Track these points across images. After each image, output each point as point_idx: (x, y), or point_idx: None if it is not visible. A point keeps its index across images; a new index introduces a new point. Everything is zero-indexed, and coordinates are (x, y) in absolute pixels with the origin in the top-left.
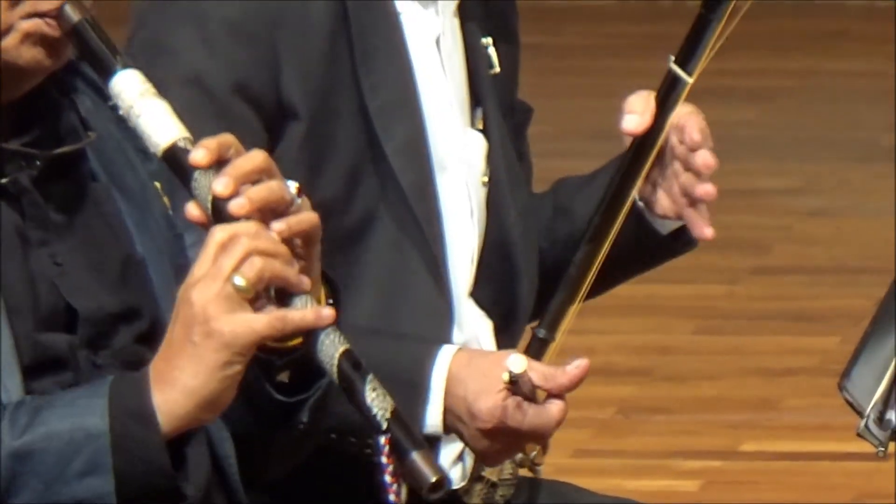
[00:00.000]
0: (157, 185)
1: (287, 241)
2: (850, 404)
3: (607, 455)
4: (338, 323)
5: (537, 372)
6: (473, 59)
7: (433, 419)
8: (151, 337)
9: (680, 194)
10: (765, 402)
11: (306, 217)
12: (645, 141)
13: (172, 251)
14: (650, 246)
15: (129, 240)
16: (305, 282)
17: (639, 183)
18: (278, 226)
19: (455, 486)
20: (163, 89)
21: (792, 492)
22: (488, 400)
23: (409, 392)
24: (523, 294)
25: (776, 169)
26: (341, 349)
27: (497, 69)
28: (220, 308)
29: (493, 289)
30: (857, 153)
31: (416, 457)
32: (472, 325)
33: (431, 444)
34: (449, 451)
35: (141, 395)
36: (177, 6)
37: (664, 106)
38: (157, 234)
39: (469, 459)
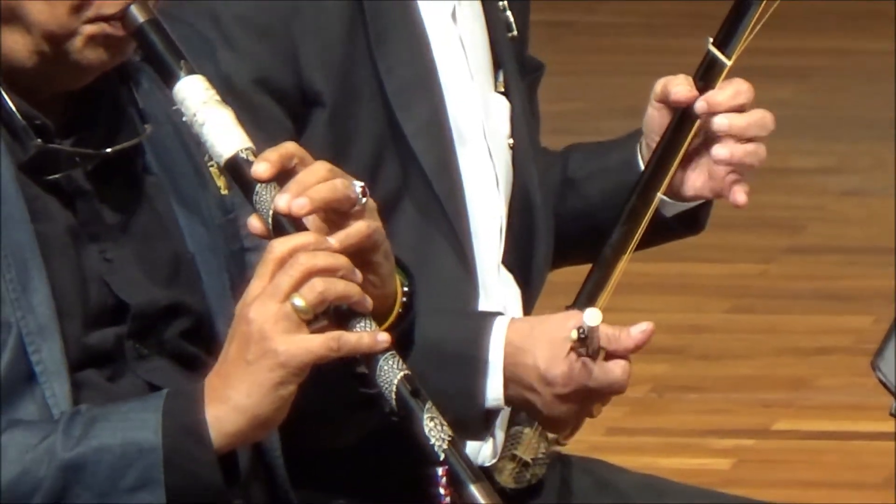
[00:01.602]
0: (213, 166)
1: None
2: (884, 384)
3: (640, 433)
4: (411, 317)
5: (602, 333)
6: (492, 24)
7: (494, 392)
8: (198, 333)
9: (723, 170)
10: (798, 382)
11: (360, 228)
12: (683, 121)
13: (226, 236)
14: (655, 226)
15: (180, 236)
16: (367, 302)
17: (676, 165)
18: (338, 237)
19: (486, 464)
20: None
21: (824, 471)
22: (562, 364)
23: (467, 367)
24: (541, 258)
25: (810, 148)
26: (400, 374)
27: (515, 32)
28: (277, 328)
29: (515, 254)
30: (891, 133)
31: (475, 489)
32: (500, 294)
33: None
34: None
35: (194, 411)
36: (192, 6)
37: (703, 87)
38: (209, 226)
39: (500, 435)
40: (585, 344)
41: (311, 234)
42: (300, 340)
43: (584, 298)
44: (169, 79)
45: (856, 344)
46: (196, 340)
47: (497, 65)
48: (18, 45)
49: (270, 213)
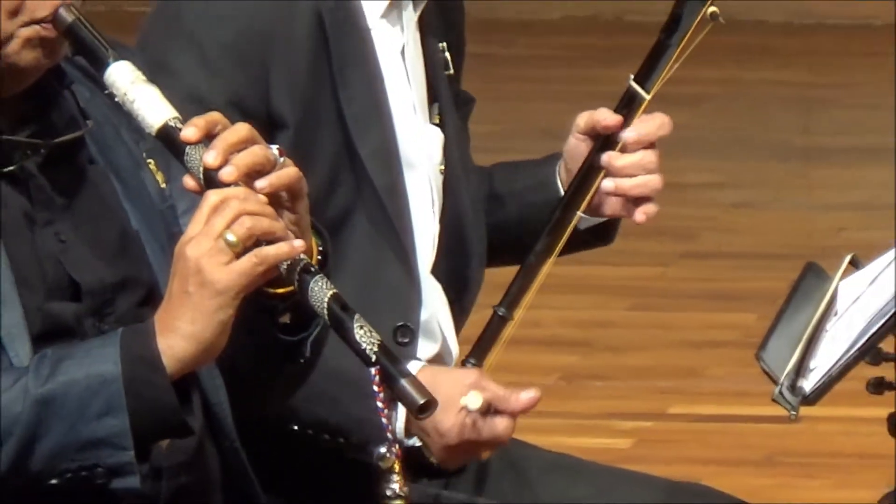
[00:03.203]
0: (152, 162)
1: (273, 196)
2: (767, 373)
3: (551, 416)
4: (326, 270)
5: (493, 394)
6: (431, 62)
7: (399, 428)
8: (150, 301)
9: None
10: (690, 371)
11: (286, 172)
12: (605, 147)
13: (166, 221)
14: (570, 240)
15: (124, 216)
16: (291, 236)
17: (595, 187)
18: (262, 183)
19: (417, 444)
20: None
21: (713, 450)
22: (451, 418)
23: (374, 404)
24: (474, 269)
25: (703, 166)
26: (330, 293)
27: (451, 71)
28: (211, 261)
29: (447, 266)
30: (773, 152)
31: (405, 383)
32: (434, 303)
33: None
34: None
35: (148, 342)
36: (177, 30)
37: (624, 118)
38: (150, 209)
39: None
40: (473, 410)
41: (241, 188)
42: (231, 267)
43: (510, 299)
44: (100, 67)
45: (742, 338)
46: (151, 307)
47: (433, 99)
48: None
49: (201, 170)
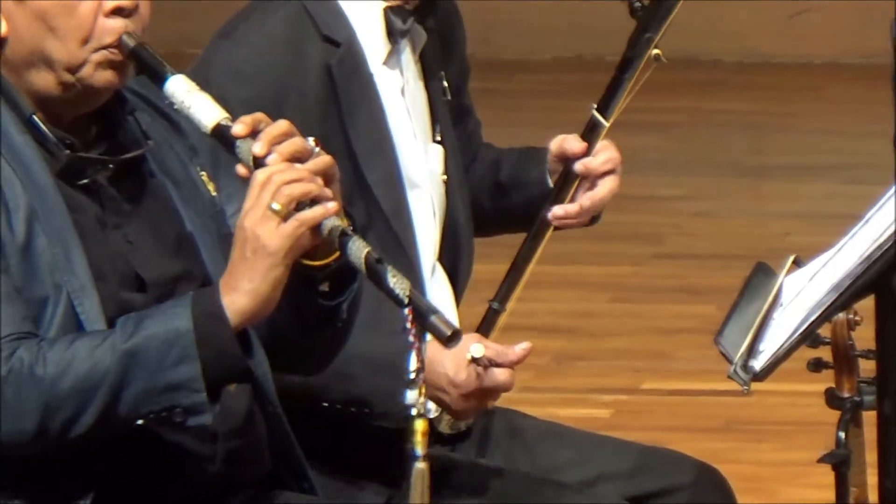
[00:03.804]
0: (204, 175)
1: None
2: (724, 355)
3: (543, 391)
4: (356, 230)
5: (493, 350)
6: (432, 91)
7: (412, 395)
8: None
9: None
10: (660, 353)
11: (322, 158)
12: (573, 164)
13: (217, 223)
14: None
15: (180, 220)
16: (328, 192)
17: (569, 196)
18: (301, 167)
19: (431, 416)
20: None
21: (679, 419)
22: (464, 372)
23: (394, 374)
24: (465, 264)
25: (670, 182)
26: (365, 250)
27: (449, 97)
28: (262, 227)
29: (445, 260)
30: (729, 170)
31: (434, 318)
32: (437, 291)
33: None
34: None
35: (214, 301)
36: (206, 87)
37: (588, 142)
38: (202, 213)
39: (431, 406)
40: (478, 362)
41: (283, 165)
42: (279, 231)
43: (504, 291)
44: (160, 81)
45: (703, 326)
46: None
47: (434, 120)
48: (46, 81)
49: (251, 159)
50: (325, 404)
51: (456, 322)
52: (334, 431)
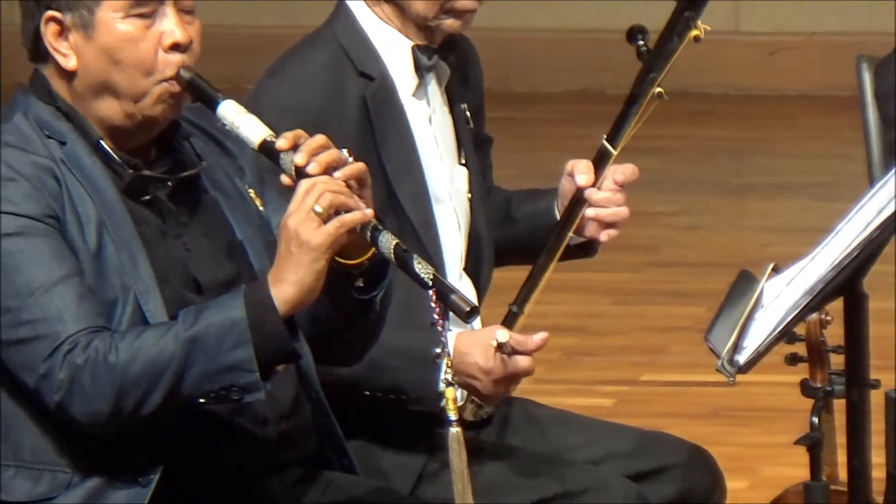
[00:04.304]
0: (252, 192)
1: (346, 184)
2: (712, 350)
3: (555, 383)
4: (384, 226)
5: (515, 339)
6: (457, 120)
7: (443, 368)
8: None
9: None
10: (656, 349)
11: (355, 166)
12: (583, 191)
13: (263, 233)
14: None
15: (231, 230)
16: (362, 204)
17: (580, 216)
18: (337, 174)
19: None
20: None
21: (673, 406)
22: (492, 361)
23: (428, 364)
24: (486, 273)
25: (665, 199)
26: (394, 242)
27: (471, 125)
28: (306, 226)
29: (470, 267)
30: (716, 189)
31: (454, 297)
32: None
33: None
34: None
35: (264, 292)
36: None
37: (598, 168)
38: (250, 224)
39: (460, 392)
40: (503, 349)
41: (324, 176)
42: (321, 230)
43: (522, 296)
44: (213, 105)
45: (694, 325)
46: None
47: (459, 146)
48: (112, 110)
49: (293, 169)
50: (367, 392)
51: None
52: (372, 413)
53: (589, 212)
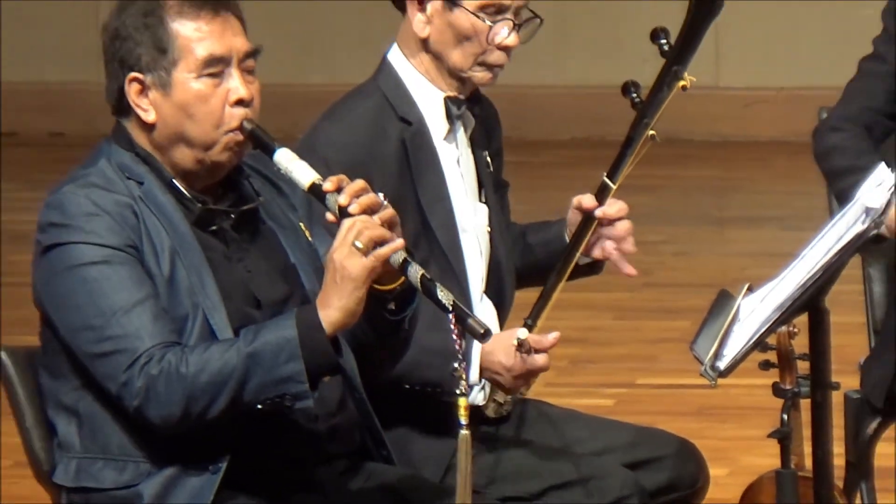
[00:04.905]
0: (302, 224)
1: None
2: (697, 358)
3: (563, 385)
4: (413, 257)
5: (532, 338)
6: (479, 163)
7: (474, 375)
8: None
9: (611, 247)
10: (650, 357)
11: (388, 211)
12: (589, 218)
13: (311, 259)
14: (573, 269)
15: (286, 255)
16: (396, 238)
17: (586, 240)
18: (374, 217)
19: (478, 404)
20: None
21: (664, 406)
22: (511, 357)
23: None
24: (507, 296)
25: (657, 230)
26: (420, 272)
27: (491, 169)
28: (348, 260)
29: (492, 293)
30: (700, 221)
31: (471, 321)
32: (484, 316)
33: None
34: (476, 392)
35: (313, 314)
36: (314, 154)
37: (599, 200)
38: (302, 251)
39: (487, 388)
40: (522, 346)
41: (363, 216)
42: (361, 263)
43: (535, 312)
44: (270, 152)
45: (681, 337)
46: None
47: (480, 186)
48: (185, 157)
49: (336, 208)
50: (407, 386)
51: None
52: (409, 405)
53: (605, 231)
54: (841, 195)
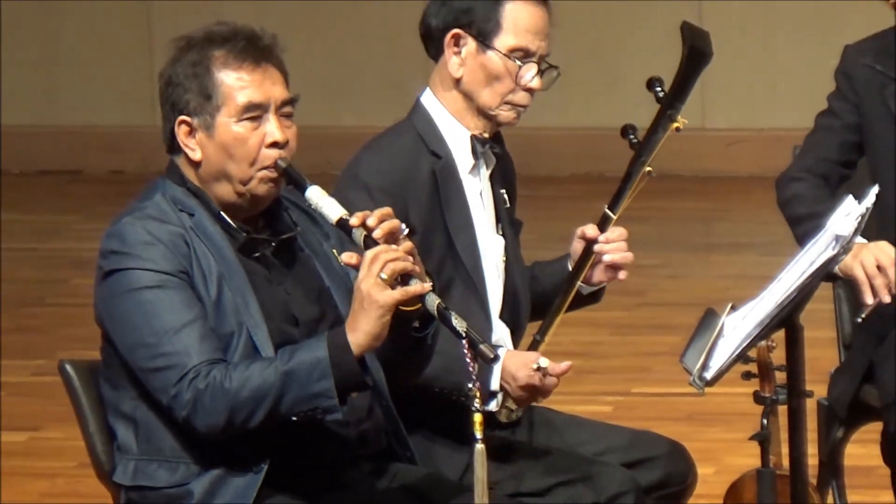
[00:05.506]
0: (335, 251)
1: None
2: (686, 369)
3: (568, 394)
4: (434, 290)
5: (550, 366)
6: (497, 199)
7: (495, 383)
8: (337, 326)
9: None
10: (644, 368)
11: (408, 244)
12: (591, 245)
13: (344, 282)
14: (576, 299)
15: (320, 278)
16: (418, 269)
17: (588, 266)
18: (399, 247)
19: (492, 410)
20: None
21: (658, 412)
22: (521, 371)
23: (482, 370)
24: (523, 316)
25: (651, 255)
26: (437, 302)
27: (508, 205)
28: (374, 290)
29: (509, 313)
30: (688, 247)
31: (482, 346)
32: (500, 334)
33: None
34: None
35: (342, 337)
36: (355, 180)
37: (601, 229)
38: (334, 274)
39: (500, 396)
40: (543, 370)
41: (385, 246)
42: (387, 293)
43: (543, 329)
44: (302, 189)
45: (672, 350)
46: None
47: (498, 220)
48: (226, 191)
49: (363, 240)
50: (437, 389)
51: (499, 350)
52: (433, 410)
53: (606, 257)
54: (801, 239)
